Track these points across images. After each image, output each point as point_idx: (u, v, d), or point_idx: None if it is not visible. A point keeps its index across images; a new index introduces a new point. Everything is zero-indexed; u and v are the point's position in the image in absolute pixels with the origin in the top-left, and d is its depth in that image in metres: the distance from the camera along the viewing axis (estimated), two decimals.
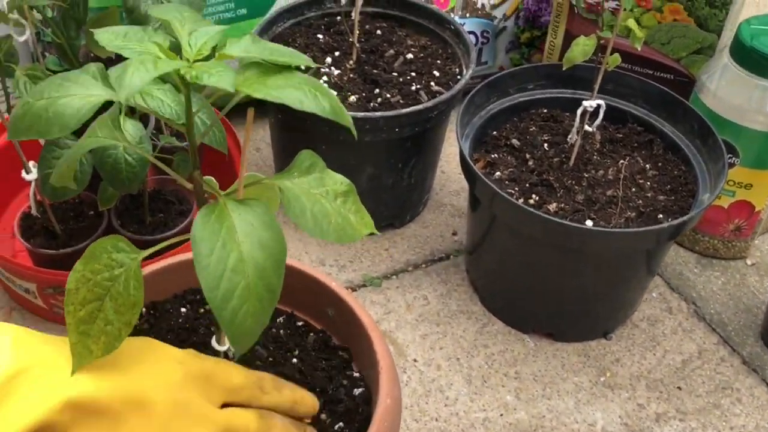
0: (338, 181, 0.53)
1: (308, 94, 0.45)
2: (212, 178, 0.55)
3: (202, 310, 0.72)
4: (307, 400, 0.62)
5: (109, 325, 0.48)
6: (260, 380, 0.59)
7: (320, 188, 0.51)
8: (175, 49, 0.47)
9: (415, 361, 0.94)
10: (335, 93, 0.99)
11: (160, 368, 0.54)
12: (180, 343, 0.69)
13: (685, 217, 0.83)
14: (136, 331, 0.54)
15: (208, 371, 0.56)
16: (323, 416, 0.65)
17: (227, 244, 0.45)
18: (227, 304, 0.45)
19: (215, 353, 0.61)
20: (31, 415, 0.47)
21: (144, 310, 0.71)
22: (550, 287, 0.93)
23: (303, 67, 0.49)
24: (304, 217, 0.49)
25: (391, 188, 1.03)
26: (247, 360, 0.66)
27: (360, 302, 0.71)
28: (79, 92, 0.47)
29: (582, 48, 0.82)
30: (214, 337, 0.61)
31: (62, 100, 0.46)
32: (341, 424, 0.65)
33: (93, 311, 0.48)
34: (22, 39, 0.84)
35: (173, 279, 0.72)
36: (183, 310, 0.72)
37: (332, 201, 0.51)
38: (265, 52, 0.46)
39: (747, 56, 0.93)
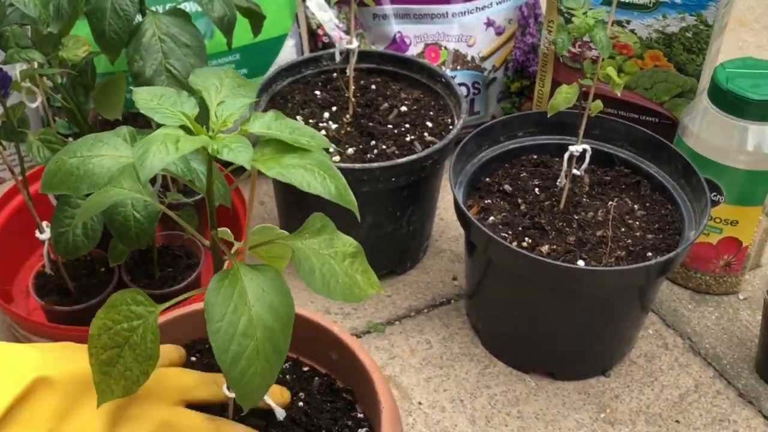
0: (347, 242, 0.56)
1: (317, 177, 0.49)
2: (227, 230, 0.58)
3: (207, 360, 0.75)
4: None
5: (128, 371, 0.52)
6: (215, 377, 0.64)
7: (330, 249, 0.55)
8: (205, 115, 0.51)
9: (420, 403, 0.97)
10: (334, 147, 1.04)
11: None
12: None
13: (672, 254, 0.86)
14: None
15: (160, 373, 0.60)
16: None
17: (238, 308, 0.49)
18: (236, 366, 0.48)
19: (226, 399, 0.64)
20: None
21: None
22: (547, 328, 0.96)
23: None
24: (313, 276, 0.52)
25: (391, 236, 1.07)
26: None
27: (362, 345, 0.74)
28: (110, 153, 0.51)
29: (565, 96, 0.86)
30: (225, 385, 0.64)
31: (94, 160, 0.50)
32: None
33: (113, 356, 0.52)
34: (34, 105, 0.89)
35: (183, 329, 0.75)
36: (193, 359, 0.75)
37: (341, 262, 0.55)
38: (285, 132, 0.50)
39: (724, 98, 0.97)
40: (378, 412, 0.68)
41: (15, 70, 0.88)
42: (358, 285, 0.54)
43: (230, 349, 0.47)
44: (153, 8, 0.91)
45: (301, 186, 0.48)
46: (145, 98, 0.49)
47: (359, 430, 0.71)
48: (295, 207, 1.09)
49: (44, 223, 0.90)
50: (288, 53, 1.21)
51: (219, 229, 0.56)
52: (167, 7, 1.10)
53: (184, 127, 0.48)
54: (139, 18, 0.86)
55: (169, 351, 0.68)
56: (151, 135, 0.46)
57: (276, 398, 0.68)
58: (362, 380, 0.72)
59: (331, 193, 0.49)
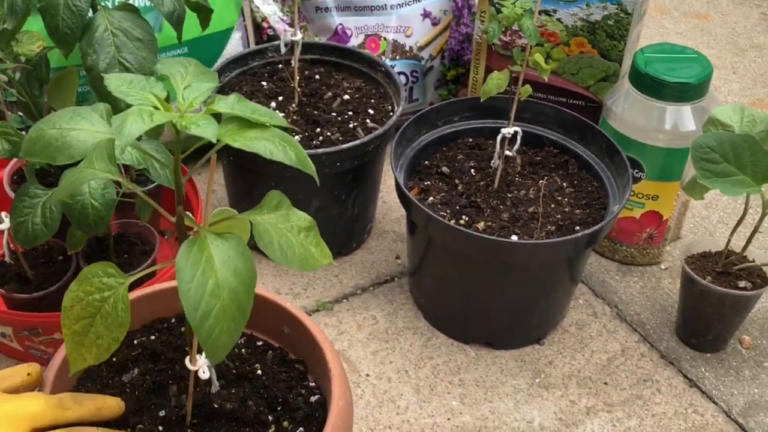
0: (301, 217, 0.62)
1: (278, 146, 0.55)
2: (189, 214, 0.63)
3: (166, 338, 0.80)
4: (110, 403, 0.70)
5: (99, 339, 0.56)
6: (60, 400, 0.67)
7: (286, 223, 0.60)
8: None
9: (367, 375, 1.02)
10: (289, 125, 1.08)
11: None
12: (153, 363, 0.77)
13: (597, 226, 0.94)
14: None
15: (8, 410, 0.63)
16: (285, 423, 0.73)
17: (206, 272, 0.54)
18: (205, 323, 0.53)
19: (186, 371, 0.69)
20: None
21: None
22: (485, 300, 1.03)
23: None
24: (272, 247, 0.58)
25: (337, 219, 1.12)
26: (220, 373, 0.75)
27: (312, 319, 0.79)
28: (87, 127, 0.55)
29: (496, 82, 0.93)
30: (187, 358, 0.69)
31: (72, 133, 0.54)
32: (301, 428, 0.73)
33: (86, 326, 0.56)
34: None
35: (143, 309, 0.80)
36: (152, 337, 0.80)
37: (296, 235, 0.60)
38: (247, 111, 0.55)
39: (643, 81, 1.04)
40: (328, 381, 0.74)
41: None
42: (312, 256, 0.59)
43: (199, 308, 0.52)
44: (104, 3, 0.94)
45: (265, 154, 0.54)
46: (116, 83, 0.54)
47: (312, 397, 0.76)
48: (245, 195, 1.14)
49: (2, 214, 0.93)
50: (234, 46, 1.25)
51: (181, 210, 0.61)
52: (117, 2, 1.14)
53: (155, 107, 0.53)
54: (91, 13, 0.90)
55: (106, 401, 0.71)
56: (127, 110, 0.50)
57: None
58: (313, 351, 0.77)
59: (292, 160, 0.55)
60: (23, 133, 1.01)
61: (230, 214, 0.63)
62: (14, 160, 1.04)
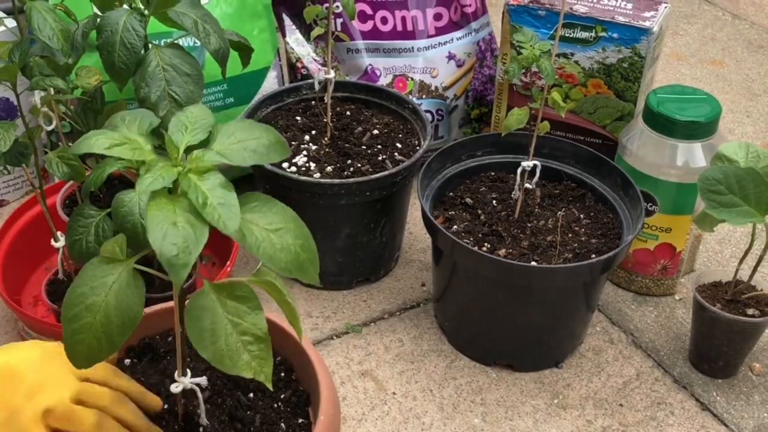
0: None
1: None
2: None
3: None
4: (153, 397, 0.78)
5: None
6: (113, 367, 0.77)
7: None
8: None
9: (394, 393, 1.08)
10: (314, 165, 1.16)
11: (23, 349, 0.74)
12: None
13: (611, 253, 1.00)
14: None
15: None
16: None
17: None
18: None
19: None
20: None
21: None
22: (505, 324, 1.09)
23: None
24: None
25: (366, 246, 1.19)
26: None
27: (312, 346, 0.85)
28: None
29: (516, 117, 1.00)
30: (177, 372, 0.75)
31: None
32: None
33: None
34: (50, 128, 1.00)
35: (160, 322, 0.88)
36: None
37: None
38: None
39: (656, 120, 1.11)
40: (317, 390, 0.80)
41: (33, 98, 0.99)
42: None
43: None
44: (154, 42, 1.03)
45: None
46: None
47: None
48: None
49: (59, 233, 1.01)
50: (270, 83, 1.33)
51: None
52: (163, 42, 1.22)
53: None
54: (143, 51, 0.98)
55: (150, 394, 0.79)
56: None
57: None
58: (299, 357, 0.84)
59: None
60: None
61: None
62: (67, 184, 1.12)
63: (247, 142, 0.67)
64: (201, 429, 0.78)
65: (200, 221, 0.59)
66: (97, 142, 0.64)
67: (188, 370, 0.75)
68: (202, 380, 0.75)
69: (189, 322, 0.63)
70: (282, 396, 0.84)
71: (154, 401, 0.79)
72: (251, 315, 0.65)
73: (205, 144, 0.67)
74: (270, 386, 0.64)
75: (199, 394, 0.76)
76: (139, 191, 0.61)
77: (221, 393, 0.83)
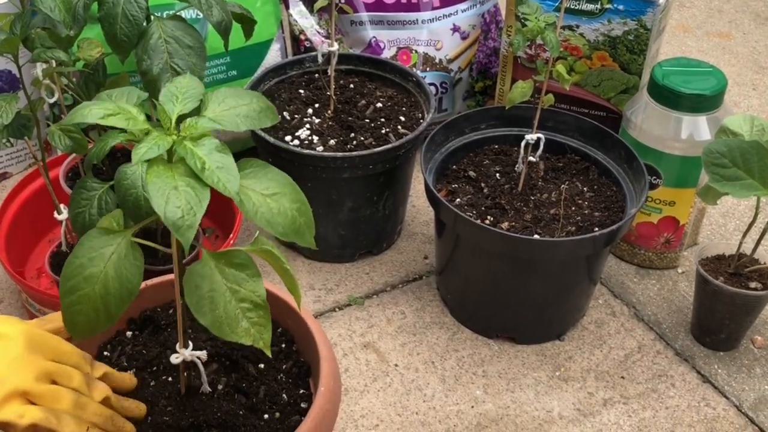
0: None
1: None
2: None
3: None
4: (125, 378, 0.78)
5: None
6: (88, 355, 0.75)
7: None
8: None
9: (396, 365, 1.09)
10: (317, 138, 1.16)
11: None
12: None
13: (614, 226, 1.00)
14: None
15: (45, 336, 0.71)
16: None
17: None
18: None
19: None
20: None
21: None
22: (508, 296, 1.09)
23: None
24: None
25: (369, 219, 1.19)
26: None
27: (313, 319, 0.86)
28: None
29: (520, 90, 0.99)
30: (177, 344, 0.75)
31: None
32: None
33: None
34: (52, 101, 1.00)
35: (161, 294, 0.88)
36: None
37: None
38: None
39: (661, 93, 1.10)
40: (317, 361, 0.81)
41: (35, 70, 0.99)
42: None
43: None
44: (157, 14, 1.02)
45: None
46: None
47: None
48: None
49: (62, 206, 1.01)
50: (274, 56, 1.33)
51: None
52: (164, 14, 1.22)
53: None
54: (145, 23, 0.98)
55: (123, 377, 0.79)
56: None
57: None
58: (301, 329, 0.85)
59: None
60: None
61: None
62: (69, 157, 1.12)
63: (238, 108, 0.67)
64: (204, 398, 0.79)
65: (200, 184, 0.60)
66: (91, 112, 0.64)
67: (189, 342, 0.75)
68: (203, 354, 0.75)
69: (188, 290, 0.63)
70: (283, 367, 0.84)
71: (126, 381, 0.79)
72: (250, 282, 0.65)
73: (196, 112, 0.67)
74: (269, 353, 0.65)
75: (200, 366, 0.76)
76: (135, 159, 0.61)
77: (224, 365, 0.84)
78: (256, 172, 0.65)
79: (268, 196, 0.64)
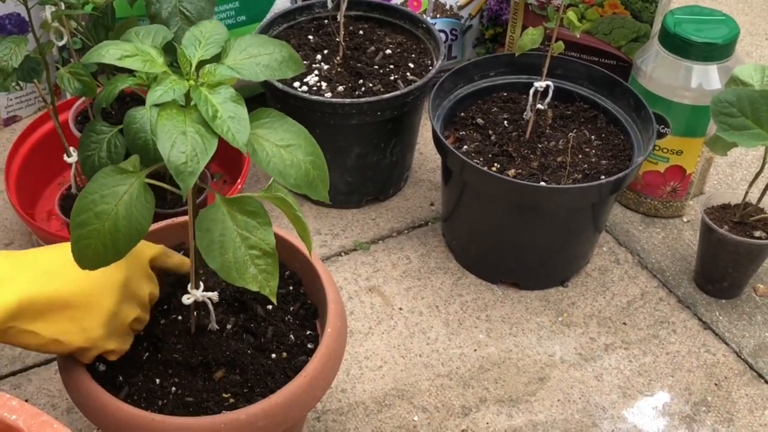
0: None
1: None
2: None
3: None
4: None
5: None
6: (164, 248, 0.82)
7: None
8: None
9: (400, 309, 1.10)
10: (325, 84, 1.16)
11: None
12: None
13: (620, 174, 1.00)
14: None
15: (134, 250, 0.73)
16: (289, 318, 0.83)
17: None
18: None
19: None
20: None
21: None
22: (513, 243, 1.10)
23: None
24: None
25: (376, 165, 1.20)
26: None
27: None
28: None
29: (530, 37, 0.99)
30: (189, 285, 0.77)
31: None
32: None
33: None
34: (61, 44, 1.00)
35: (171, 236, 0.89)
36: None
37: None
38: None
39: (672, 42, 1.10)
40: (324, 303, 0.82)
41: (44, 13, 0.99)
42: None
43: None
44: None
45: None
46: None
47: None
48: None
49: (71, 148, 1.02)
50: (283, 1, 1.32)
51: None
52: None
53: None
54: None
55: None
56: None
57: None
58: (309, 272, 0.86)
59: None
60: None
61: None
62: (79, 101, 1.13)
63: (259, 57, 0.67)
64: (213, 337, 0.81)
65: (209, 132, 0.60)
66: (108, 52, 0.65)
67: (200, 283, 0.77)
68: (214, 295, 0.77)
69: (199, 233, 0.65)
70: (291, 309, 0.86)
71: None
72: (260, 230, 0.66)
73: (217, 59, 0.67)
74: (275, 300, 0.66)
75: (210, 306, 0.78)
76: (149, 102, 0.61)
77: (233, 306, 0.85)
78: (272, 122, 0.66)
79: (282, 147, 0.65)
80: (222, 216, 0.66)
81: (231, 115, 0.61)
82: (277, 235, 0.86)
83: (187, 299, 0.76)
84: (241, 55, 0.66)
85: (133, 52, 0.65)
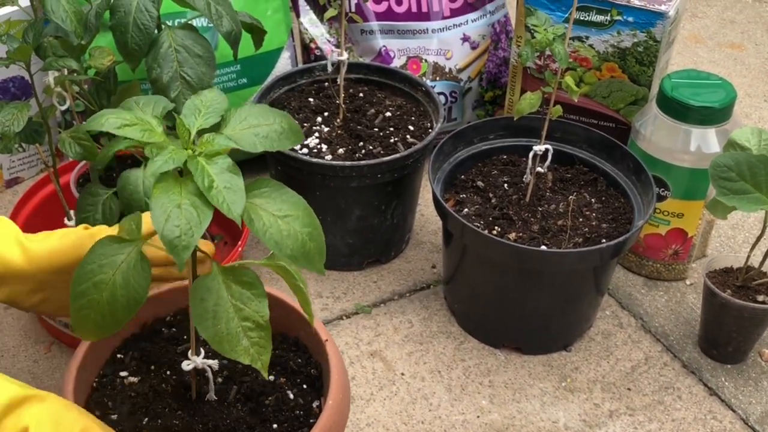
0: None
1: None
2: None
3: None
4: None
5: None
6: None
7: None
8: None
9: (402, 374, 1.09)
10: (326, 147, 1.16)
11: None
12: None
13: (621, 238, 1.00)
14: None
15: None
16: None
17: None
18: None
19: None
20: None
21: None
22: (515, 307, 1.09)
23: None
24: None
25: (377, 228, 1.19)
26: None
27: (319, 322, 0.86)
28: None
29: (528, 101, 0.99)
30: (189, 351, 0.76)
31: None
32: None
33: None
34: (63, 108, 1.01)
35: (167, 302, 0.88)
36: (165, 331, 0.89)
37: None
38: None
39: (670, 105, 1.10)
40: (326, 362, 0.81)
41: (47, 78, 1.00)
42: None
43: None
44: (168, 23, 1.03)
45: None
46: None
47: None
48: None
49: (71, 211, 1.02)
50: (284, 64, 1.33)
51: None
52: (176, 22, 1.23)
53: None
54: (156, 32, 0.99)
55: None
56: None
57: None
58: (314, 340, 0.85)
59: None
60: None
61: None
62: (81, 163, 1.13)
63: (259, 127, 0.67)
64: (215, 404, 0.79)
65: (205, 204, 0.60)
66: (108, 121, 0.65)
67: (201, 350, 0.76)
68: (214, 363, 0.76)
69: (193, 301, 0.64)
70: (297, 379, 0.85)
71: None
72: (255, 302, 0.66)
73: (216, 128, 0.67)
74: (266, 375, 0.65)
75: (210, 375, 0.77)
76: (149, 173, 0.61)
77: (236, 369, 0.84)
78: (271, 192, 0.66)
79: (280, 218, 0.64)
80: (217, 285, 0.65)
81: (227, 185, 0.61)
82: (282, 301, 0.85)
83: (186, 365, 0.75)
84: (240, 125, 0.67)
85: (132, 120, 0.65)
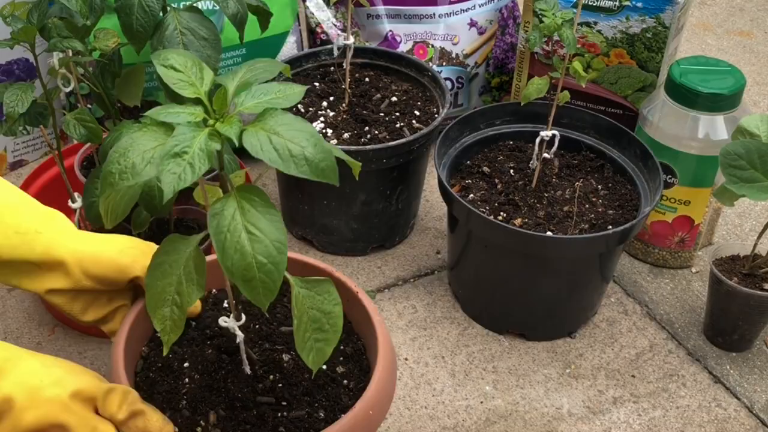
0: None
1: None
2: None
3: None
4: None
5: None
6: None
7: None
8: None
9: (406, 359, 1.09)
10: (331, 131, 1.16)
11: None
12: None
13: (627, 225, 0.99)
14: None
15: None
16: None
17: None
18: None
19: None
20: None
21: None
22: (519, 293, 1.09)
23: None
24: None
25: (381, 213, 1.19)
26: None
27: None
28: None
29: (536, 86, 0.99)
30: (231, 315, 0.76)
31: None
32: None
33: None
34: (68, 90, 1.00)
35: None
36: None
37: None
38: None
39: (678, 92, 1.10)
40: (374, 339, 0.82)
41: (51, 59, 0.99)
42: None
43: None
44: (173, 5, 1.02)
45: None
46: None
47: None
48: (294, 187, 1.21)
49: (76, 194, 1.01)
50: (289, 48, 1.33)
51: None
52: (181, 5, 1.22)
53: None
54: (161, 14, 0.98)
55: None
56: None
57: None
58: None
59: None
60: None
61: None
62: (85, 146, 1.12)
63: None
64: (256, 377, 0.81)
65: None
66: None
67: (242, 315, 0.76)
68: (240, 334, 0.76)
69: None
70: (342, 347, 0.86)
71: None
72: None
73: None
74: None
75: (242, 346, 0.78)
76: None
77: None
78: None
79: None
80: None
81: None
82: (332, 276, 0.87)
83: (223, 322, 0.76)
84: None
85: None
